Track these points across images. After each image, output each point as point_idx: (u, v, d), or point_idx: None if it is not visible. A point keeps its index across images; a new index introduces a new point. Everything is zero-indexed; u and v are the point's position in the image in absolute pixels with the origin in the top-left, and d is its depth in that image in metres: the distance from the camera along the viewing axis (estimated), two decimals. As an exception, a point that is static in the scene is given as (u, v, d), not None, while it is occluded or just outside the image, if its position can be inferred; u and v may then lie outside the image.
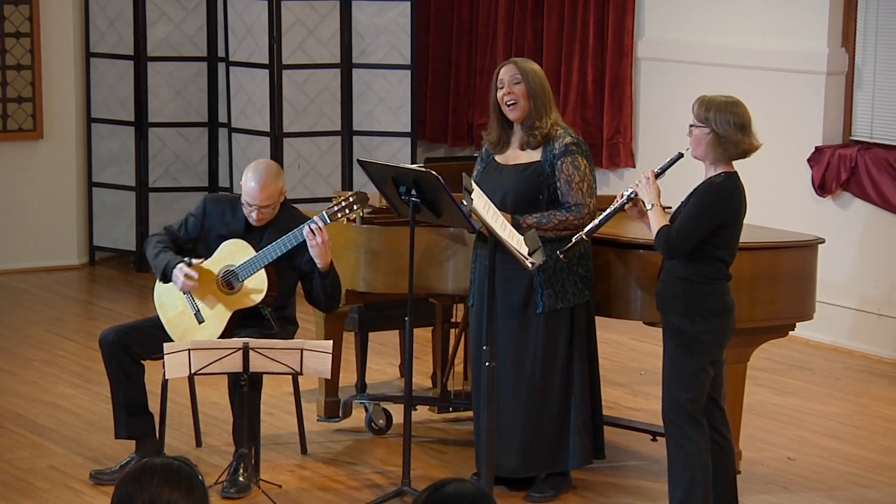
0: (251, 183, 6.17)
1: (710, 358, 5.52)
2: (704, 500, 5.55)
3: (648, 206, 5.56)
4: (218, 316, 6.19)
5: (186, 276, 6.13)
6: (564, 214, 5.93)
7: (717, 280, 5.51)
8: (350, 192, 6.17)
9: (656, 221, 5.53)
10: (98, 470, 6.29)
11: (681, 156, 5.60)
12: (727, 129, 5.44)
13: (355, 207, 6.11)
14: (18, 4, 9.73)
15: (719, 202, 5.46)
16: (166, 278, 6.21)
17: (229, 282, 6.19)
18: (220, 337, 6.15)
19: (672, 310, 5.53)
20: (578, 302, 6.02)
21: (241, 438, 6.07)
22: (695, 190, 5.53)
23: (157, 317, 6.31)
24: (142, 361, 6.26)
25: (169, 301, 6.26)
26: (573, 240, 5.73)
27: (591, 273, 6.06)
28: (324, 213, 6.11)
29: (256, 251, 6.17)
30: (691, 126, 5.51)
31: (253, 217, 6.20)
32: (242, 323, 6.21)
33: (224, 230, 6.28)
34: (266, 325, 6.19)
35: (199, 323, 6.20)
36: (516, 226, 5.83)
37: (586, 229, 5.73)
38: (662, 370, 5.58)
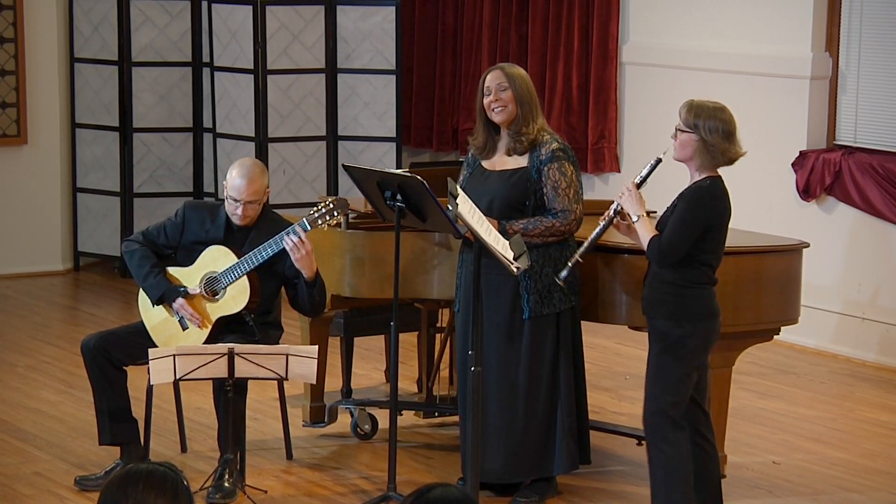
0: (237, 179, 6.17)
1: (695, 362, 5.53)
2: None
3: (634, 219, 5.57)
4: (202, 322, 6.18)
5: (192, 315, 6.15)
6: (551, 220, 5.93)
7: (702, 284, 5.51)
8: (330, 198, 6.17)
9: (645, 232, 5.54)
10: (83, 476, 6.28)
11: (659, 161, 5.62)
12: (715, 136, 5.45)
13: (335, 213, 6.11)
14: (2, 10, 9.71)
15: (706, 206, 5.47)
16: (159, 303, 6.21)
17: (212, 288, 6.19)
18: (205, 343, 6.15)
19: (658, 314, 5.53)
20: (564, 307, 6.02)
21: (227, 444, 6.07)
22: (680, 195, 5.54)
23: (140, 322, 6.30)
24: (124, 367, 6.25)
25: (153, 308, 6.25)
26: (569, 263, 5.77)
27: (578, 279, 6.06)
28: (304, 220, 6.11)
29: (238, 258, 6.16)
30: (678, 130, 5.52)
31: (238, 214, 6.19)
32: (226, 329, 6.20)
33: (203, 236, 6.27)
34: (249, 331, 6.19)
35: (184, 329, 6.20)
36: (502, 231, 5.83)
37: (580, 251, 5.75)
38: (646, 373, 5.58)
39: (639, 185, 5.62)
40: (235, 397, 6.01)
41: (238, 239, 6.25)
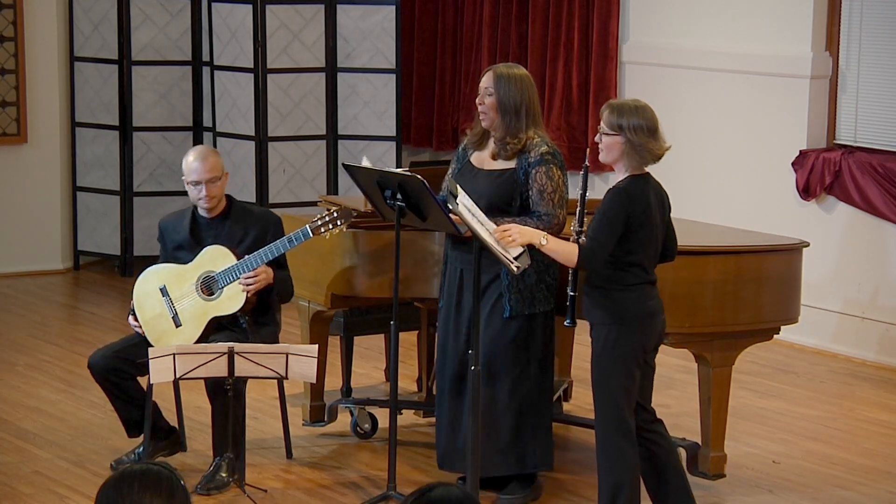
0: (192, 162, 6.25)
1: (633, 364, 5.50)
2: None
3: (544, 241, 5.56)
4: (195, 321, 6.19)
5: (135, 326, 6.29)
6: (535, 222, 5.90)
7: (635, 285, 5.48)
8: (335, 208, 6.18)
9: (561, 246, 5.52)
10: (118, 459, 6.38)
11: (587, 168, 5.64)
12: (640, 135, 5.43)
13: (339, 223, 6.13)
14: (2, 8, 9.71)
15: (620, 207, 5.43)
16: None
17: (209, 287, 6.19)
18: (198, 342, 6.16)
19: (594, 318, 5.53)
20: (544, 308, 6.01)
21: (226, 444, 6.08)
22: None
23: (139, 333, 6.31)
24: (134, 378, 6.31)
25: (148, 302, 6.27)
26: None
27: (557, 280, 6.04)
28: (307, 227, 6.12)
29: (237, 258, 6.18)
30: (602, 133, 5.50)
31: (203, 198, 6.23)
32: (219, 328, 6.21)
33: (177, 239, 6.35)
34: (241, 332, 6.19)
35: (177, 327, 6.21)
36: None
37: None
38: (591, 379, 5.57)
39: (582, 196, 5.61)
40: (236, 397, 6.02)
41: (206, 234, 6.28)
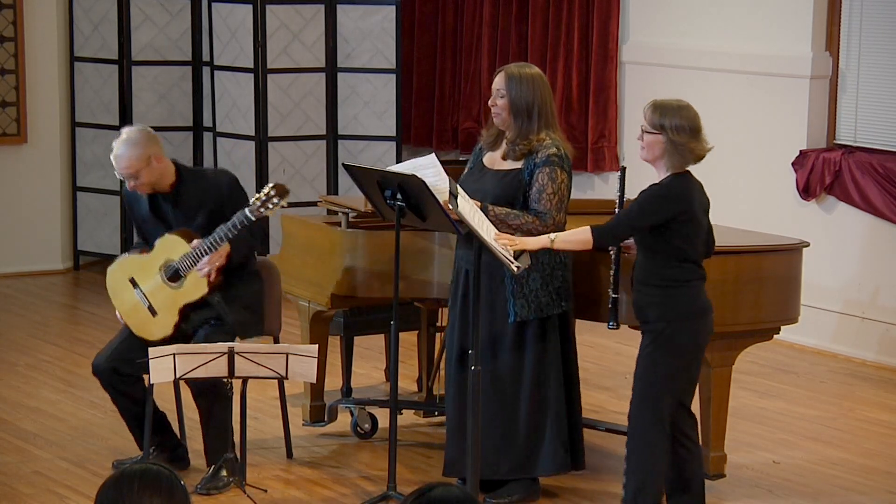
0: (112, 156, 6.30)
1: (686, 361, 5.52)
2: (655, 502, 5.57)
3: (552, 237, 5.58)
4: (168, 309, 6.25)
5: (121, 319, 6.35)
6: (532, 217, 5.90)
7: (689, 281, 5.51)
8: (269, 185, 6.20)
9: (572, 235, 5.58)
10: (119, 460, 6.38)
11: (624, 169, 5.68)
12: (683, 135, 5.44)
13: (276, 201, 6.14)
14: (2, 8, 9.71)
15: (656, 203, 5.45)
16: None
17: (174, 275, 6.22)
18: (177, 327, 6.22)
19: (648, 316, 5.53)
20: (552, 312, 5.99)
21: (215, 449, 6.10)
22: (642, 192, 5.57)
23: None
24: (138, 379, 6.30)
25: (122, 295, 6.35)
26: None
27: (568, 283, 6.03)
28: (246, 210, 6.13)
29: (165, 228, 6.21)
30: (644, 131, 5.50)
31: (134, 186, 6.27)
32: (195, 309, 6.25)
33: (141, 213, 6.37)
34: (217, 309, 6.20)
35: (154, 315, 6.24)
36: (483, 212, 5.81)
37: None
38: (635, 371, 5.58)
39: (620, 198, 5.61)
40: (222, 401, 6.05)
41: (165, 207, 6.29)
